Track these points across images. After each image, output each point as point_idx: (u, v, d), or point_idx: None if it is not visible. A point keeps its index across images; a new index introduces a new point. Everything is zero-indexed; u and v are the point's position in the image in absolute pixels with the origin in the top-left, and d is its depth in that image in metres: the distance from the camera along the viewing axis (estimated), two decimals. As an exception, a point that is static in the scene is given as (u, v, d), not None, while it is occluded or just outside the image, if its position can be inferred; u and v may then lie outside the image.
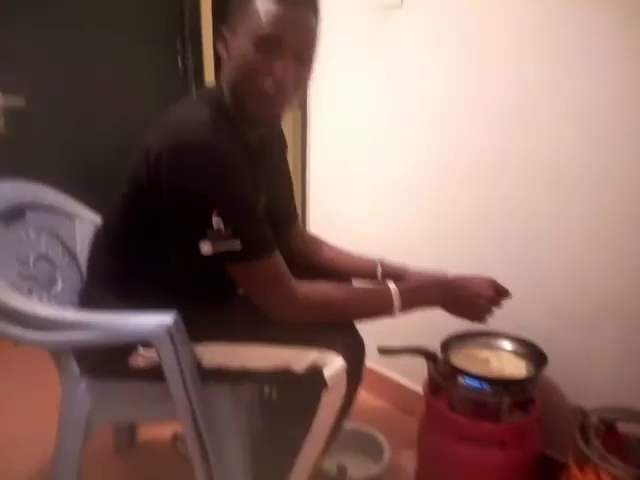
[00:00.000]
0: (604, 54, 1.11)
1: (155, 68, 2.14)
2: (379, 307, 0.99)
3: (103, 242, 1.05)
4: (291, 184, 1.26)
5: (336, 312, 0.96)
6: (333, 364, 0.88)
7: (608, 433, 1.03)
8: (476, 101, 1.34)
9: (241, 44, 0.88)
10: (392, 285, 0.98)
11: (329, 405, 0.92)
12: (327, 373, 0.88)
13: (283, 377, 0.91)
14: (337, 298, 0.96)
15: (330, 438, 0.98)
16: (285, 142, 1.23)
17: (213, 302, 0.96)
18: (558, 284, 1.26)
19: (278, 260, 0.91)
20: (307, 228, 1.84)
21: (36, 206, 1.16)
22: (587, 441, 1.00)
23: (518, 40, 1.24)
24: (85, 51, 1.92)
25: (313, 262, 1.24)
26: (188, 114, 0.90)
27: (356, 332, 0.98)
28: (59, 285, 1.15)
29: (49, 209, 1.20)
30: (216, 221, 0.84)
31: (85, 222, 1.26)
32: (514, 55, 1.25)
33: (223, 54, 0.94)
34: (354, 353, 0.93)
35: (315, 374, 0.88)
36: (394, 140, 1.54)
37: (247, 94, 0.91)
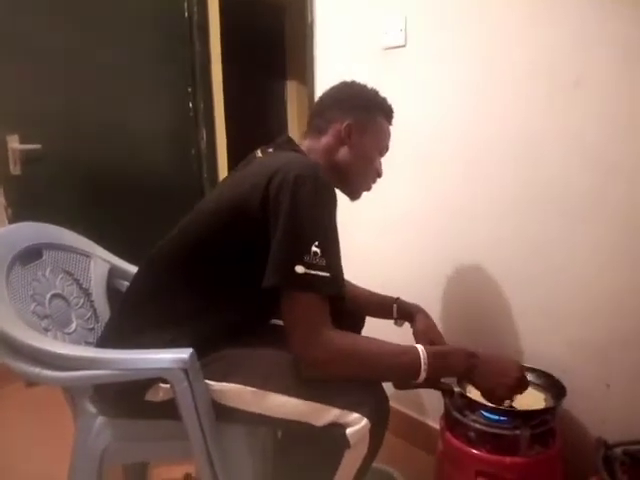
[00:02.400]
0: (609, 85, 1.14)
1: (166, 111, 2.20)
2: (406, 370, 0.95)
3: (156, 279, 1.05)
4: None
5: (363, 366, 0.92)
6: (357, 425, 0.86)
7: (634, 467, 1.00)
8: (483, 137, 1.36)
9: (369, 146, 1.16)
10: (420, 347, 0.95)
11: (350, 463, 0.90)
12: (350, 433, 0.86)
13: (302, 428, 0.90)
14: (368, 351, 0.93)
15: None
16: None
17: (243, 344, 0.97)
18: (574, 315, 1.25)
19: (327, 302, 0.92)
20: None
21: (52, 246, 1.19)
22: (612, 475, 0.97)
23: (522, 76, 1.27)
24: (98, 96, 1.99)
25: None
26: (304, 157, 1.05)
27: (380, 388, 0.95)
28: (73, 324, 1.16)
29: (65, 249, 1.22)
30: (315, 250, 0.87)
31: (99, 262, 1.28)
32: (518, 91, 1.28)
33: (340, 135, 1.12)
34: (378, 411, 0.90)
35: (337, 431, 0.86)
36: (400, 175, 1.56)
37: (358, 182, 1.18)
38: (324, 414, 0.88)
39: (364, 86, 1.18)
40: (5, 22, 1.76)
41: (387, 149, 1.21)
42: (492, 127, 1.34)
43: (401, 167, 1.56)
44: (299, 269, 0.87)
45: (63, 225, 1.25)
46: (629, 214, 1.14)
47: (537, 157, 1.26)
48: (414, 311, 1.27)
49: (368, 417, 0.87)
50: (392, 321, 1.30)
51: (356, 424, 0.86)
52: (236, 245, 0.96)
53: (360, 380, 0.91)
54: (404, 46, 1.49)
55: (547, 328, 1.28)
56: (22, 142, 1.83)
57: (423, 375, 0.93)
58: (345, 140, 1.12)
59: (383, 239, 1.65)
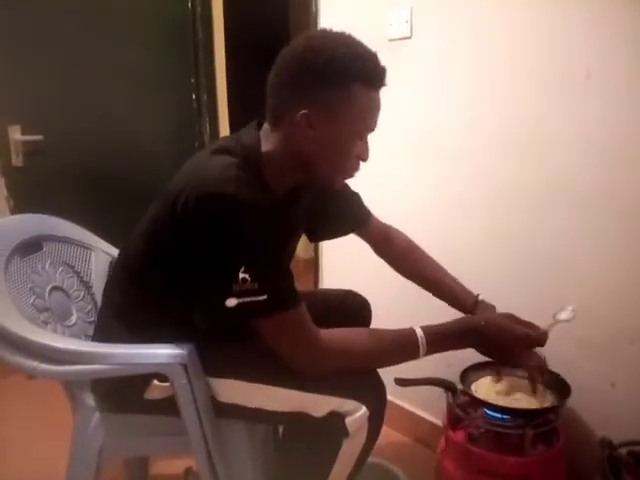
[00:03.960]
0: (619, 76, 1.11)
1: (169, 102, 2.18)
2: (405, 355, 0.94)
3: (120, 278, 1.03)
4: (349, 192, 1.23)
5: (357, 361, 0.92)
6: (355, 413, 0.86)
7: (639, 467, 0.99)
8: (490, 129, 1.34)
9: (342, 132, 0.89)
10: (419, 332, 0.93)
11: (349, 452, 0.90)
12: (349, 422, 0.86)
13: (301, 420, 0.89)
14: (359, 347, 0.92)
15: None
16: None
17: (233, 341, 0.93)
18: (580, 312, 1.22)
19: (302, 310, 0.87)
20: (320, 257, 1.84)
21: (53, 238, 1.18)
22: (617, 476, 0.96)
23: (529, 68, 1.25)
24: (100, 87, 1.97)
25: (404, 272, 1.26)
26: (219, 164, 0.86)
27: (377, 376, 0.94)
28: (74, 317, 1.15)
29: (65, 241, 1.21)
30: (243, 277, 0.81)
31: (100, 254, 1.27)
32: (526, 82, 1.26)
33: (292, 123, 0.88)
34: (376, 399, 0.91)
35: (336, 421, 0.86)
36: (406, 167, 1.54)
37: (335, 172, 0.95)
38: (323, 404, 0.88)
39: (334, 42, 0.87)
40: (8, 14, 1.74)
41: (374, 124, 0.93)
42: (499, 119, 1.32)
43: (404, 160, 1.54)
44: (230, 302, 0.81)
45: (65, 217, 1.24)
46: (635, 206, 1.12)
47: (543, 148, 1.24)
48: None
49: (366, 405, 0.87)
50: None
51: (355, 412, 0.86)
52: (172, 258, 0.90)
53: (358, 369, 0.91)
54: (410, 38, 1.47)
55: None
56: (24, 133, 1.81)
57: (422, 356, 0.92)
58: (306, 132, 0.88)
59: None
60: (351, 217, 1.24)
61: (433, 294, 1.22)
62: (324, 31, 0.93)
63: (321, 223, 1.20)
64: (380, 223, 1.29)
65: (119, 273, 1.04)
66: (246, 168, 0.87)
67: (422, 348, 0.91)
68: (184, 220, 0.84)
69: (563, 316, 1.06)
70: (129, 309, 0.98)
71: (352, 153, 0.92)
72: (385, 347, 0.93)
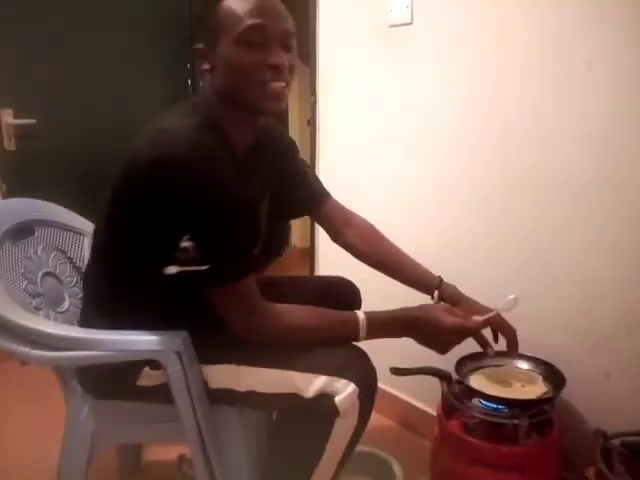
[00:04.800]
0: (613, 70, 1.10)
1: (164, 87, 2.15)
2: (345, 336, 0.96)
3: (92, 263, 1.03)
4: (306, 170, 1.23)
5: (303, 337, 0.94)
6: (345, 391, 0.86)
7: (632, 458, 0.99)
8: (488, 117, 1.33)
9: (225, 49, 0.87)
10: (361, 316, 0.95)
11: (341, 433, 0.89)
12: (339, 400, 0.86)
13: (292, 402, 0.89)
14: (307, 325, 0.94)
15: (341, 465, 0.95)
16: (287, 141, 1.20)
17: (215, 326, 0.93)
18: (576, 303, 1.23)
19: (247, 284, 0.88)
20: (316, 246, 1.83)
21: (45, 223, 1.16)
22: (610, 466, 0.96)
23: (529, 56, 1.23)
24: (95, 71, 1.94)
25: (362, 255, 1.23)
26: (171, 126, 0.86)
27: (367, 358, 0.95)
28: (66, 303, 1.14)
29: (58, 226, 1.19)
30: (185, 244, 0.81)
31: (93, 239, 1.25)
32: (526, 71, 1.24)
33: (204, 67, 0.91)
34: (365, 377, 0.91)
35: (326, 401, 0.86)
36: (405, 156, 1.53)
37: (249, 95, 0.88)
38: (312, 383, 0.87)
39: None
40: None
41: (257, 26, 0.85)
42: (498, 110, 1.30)
43: (403, 149, 1.52)
44: (170, 270, 0.83)
45: (57, 202, 1.23)
46: (634, 201, 1.11)
47: (543, 142, 1.23)
48: (456, 298, 1.16)
49: (356, 383, 0.87)
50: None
51: (344, 391, 0.86)
52: (129, 233, 0.90)
53: (304, 344, 0.92)
54: (410, 24, 1.44)
55: (548, 317, 1.26)
56: (16, 117, 1.79)
57: (362, 339, 0.95)
58: (203, 66, 0.91)
59: (382, 222, 1.62)
60: (307, 197, 1.20)
61: (396, 279, 1.21)
62: None
63: (275, 200, 1.14)
64: (341, 207, 1.25)
65: (92, 259, 1.03)
66: (205, 129, 0.85)
67: (362, 332, 0.94)
68: (136, 187, 0.84)
69: (500, 305, 1.07)
70: (104, 298, 0.98)
71: (251, 64, 0.86)
72: (326, 325, 0.95)
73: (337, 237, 1.25)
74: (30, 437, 1.55)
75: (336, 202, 1.25)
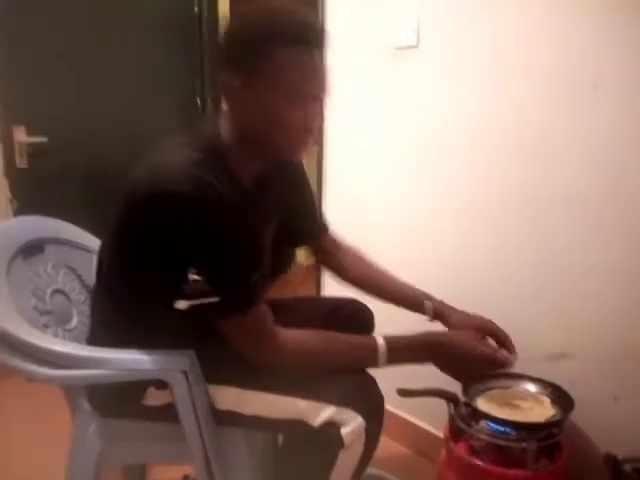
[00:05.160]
0: (619, 90, 1.11)
1: (174, 106, 2.18)
2: (362, 362, 0.95)
3: (98, 287, 1.03)
4: (312, 201, 1.24)
5: (317, 364, 0.92)
6: (352, 424, 0.85)
7: (643, 484, 0.97)
8: (494, 136, 1.34)
9: (269, 99, 0.84)
10: (380, 341, 0.94)
11: (345, 464, 0.88)
12: (345, 432, 0.85)
13: (298, 428, 0.88)
14: (319, 350, 0.92)
15: None
16: (297, 165, 1.19)
17: (226, 347, 0.93)
18: (582, 325, 1.22)
19: (259, 312, 0.87)
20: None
21: (55, 241, 1.17)
22: (621, 493, 0.94)
23: (535, 77, 1.24)
24: (105, 89, 1.97)
25: (349, 276, 1.24)
26: (176, 157, 0.85)
27: (375, 385, 0.94)
28: (74, 320, 1.14)
29: (68, 244, 1.20)
30: (193, 277, 0.81)
31: (102, 257, 1.26)
32: (532, 91, 1.25)
33: (232, 103, 0.89)
34: (373, 409, 0.90)
35: (332, 431, 0.85)
36: (412, 176, 1.54)
37: (279, 146, 0.90)
38: (320, 411, 0.86)
39: (245, 15, 0.87)
40: (12, 16, 1.75)
41: (314, 88, 0.87)
42: (504, 130, 1.31)
43: (410, 169, 1.53)
44: (180, 305, 0.82)
45: (67, 219, 1.24)
46: (636, 220, 1.11)
47: (548, 160, 1.24)
48: (447, 312, 1.19)
49: (363, 415, 0.86)
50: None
51: (351, 423, 0.85)
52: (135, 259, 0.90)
53: (318, 371, 0.91)
54: (416, 46, 1.47)
55: (554, 339, 1.25)
56: (29, 135, 1.82)
57: (381, 365, 0.93)
58: (242, 104, 0.87)
59: (386, 239, 1.63)
60: (308, 231, 1.22)
61: (384, 299, 1.22)
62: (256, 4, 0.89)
63: (280, 228, 1.13)
64: (332, 238, 1.26)
65: (98, 282, 1.03)
66: (207, 161, 0.84)
67: (382, 357, 0.92)
68: (138, 221, 0.84)
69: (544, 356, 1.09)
70: (110, 320, 0.98)
71: (294, 122, 0.86)
72: (341, 351, 0.94)
73: (324, 260, 1.27)
74: (34, 454, 1.54)
75: (330, 235, 1.26)
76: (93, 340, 1.02)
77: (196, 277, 0.81)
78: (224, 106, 0.93)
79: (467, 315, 1.17)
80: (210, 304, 0.82)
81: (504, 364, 1.01)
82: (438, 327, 1.17)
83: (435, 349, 0.97)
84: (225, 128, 0.91)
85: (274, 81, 0.84)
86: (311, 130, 0.89)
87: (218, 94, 0.97)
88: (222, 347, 0.89)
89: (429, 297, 1.21)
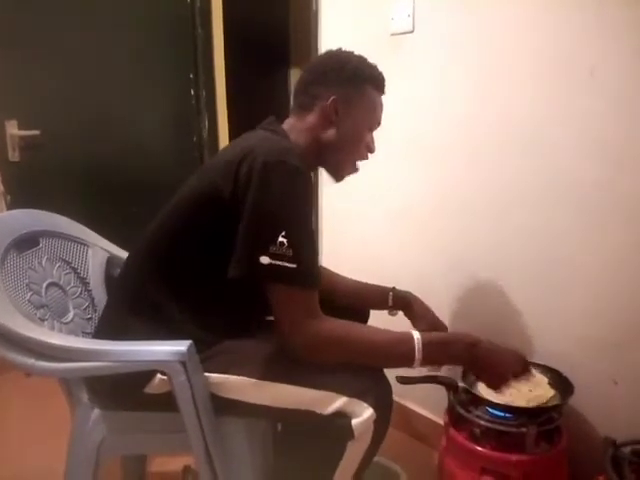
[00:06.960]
0: (616, 76, 1.10)
1: (168, 98, 2.16)
2: (398, 358, 0.94)
3: (143, 271, 1.01)
4: None
5: (353, 353, 0.91)
6: (363, 415, 0.85)
7: (643, 466, 0.98)
8: (491, 123, 1.33)
9: (358, 122, 1.07)
10: (416, 335, 0.93)
11: (354, 455, 0.89)
12: (355, 423, 0.85)
13: (307, 418, 0.88)
14: (359, 339, 0.92)
15: None
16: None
17: (243, 336, 0.95)
18: (582, 310, 1.22)
19: (315, 295, 0.90)
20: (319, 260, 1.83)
21: (49, 234, 1.16)
22: (621, 475, 0.95)
23: (532, 62, 1.24)
24: (97, 81, 1.95)
25: (330, 296, 1.21)
26: (277, 140, 0.98)
27: (386, 381, 0.93)
28: (70, 314, 1.14)
29: (62, 237, 1.19)
30: (281, 241, 0.85)
31: (97, 250, 1.25)
32: (528, 77, 1.25)
33: (327, 114, 1.04)
34: (383, 402, 0.89)
35: (342, 421, 0.85)
36: (407, 163, 1.53)
37: (345, 162, 1.10)
38: (331, 401, 0.86)
39: (350, 55, 1.09)
40: (5, 10, 1.73)
41: (379, 123, 1.12)
42: (501, 117, 1.31)
43: (405, 157, 1.53)
44: (264, 260, 0.85)
45: (61, 212, 1.23)
46: (638, 204, 1.11)
47: (545, 147, 1.23)
48: (410, 298, 1.25)
49: (374, 407, 0.86)
50: (386, 311, 1.28)
51: (362, 414, 0.85)
52: (211, 234, 0.93)
53: (352, 363, 0.90)
54: (412, 32, 1.45)
55: (554, 324, 1.25)
56: (21, 128, 1.80)
57: (417, 364, 0.92)
58: (331, 117, 1.04)
59: (384, 233, 1.62)
60: None
61: (355, 303, 1.24)
62: (340, 49, 1.12)
63: None
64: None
65: (143, 266, 1.02)
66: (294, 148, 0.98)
67: (418, 352, 0.91)
68: (243, 185, 0.88)
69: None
70: (152, 303, 0.97)
71: (363, 142, 1.09)
72: (381, 345, 0.93)
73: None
74: (33, 448, 1.54)
75: None
76: (116, 329, 1.00)
77: (283, 240, 0.85)
78: (297, 115, 1.08)
79: (427, 312, 1.25)
80: (286, 269, 0.85)
81: (528, 364, 1.09)
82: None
83: (471, 347, 0.98)
84: (297, 132, 1.06)
85: (364, 108, 1.07)
86: (372, 152, 1.12)
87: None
88: (243, 338, 0.95)
89: (393, 289, 1.27)
